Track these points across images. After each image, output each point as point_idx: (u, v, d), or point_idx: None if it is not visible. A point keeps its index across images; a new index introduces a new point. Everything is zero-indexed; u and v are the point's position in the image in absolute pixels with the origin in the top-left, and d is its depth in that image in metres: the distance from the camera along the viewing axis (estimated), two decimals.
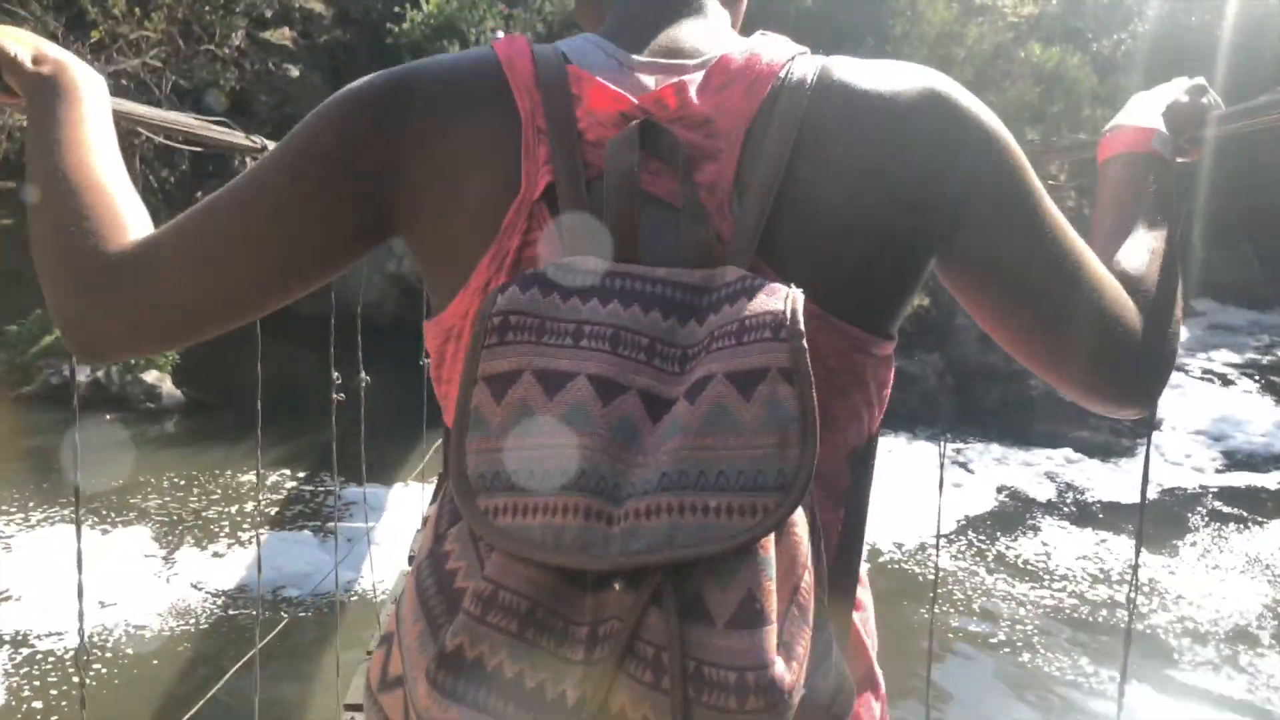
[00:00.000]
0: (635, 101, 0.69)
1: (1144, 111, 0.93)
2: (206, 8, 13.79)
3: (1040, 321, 0.74)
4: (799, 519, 0.56)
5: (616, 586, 0.54)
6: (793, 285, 0.61)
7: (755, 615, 0.51)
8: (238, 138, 1.43)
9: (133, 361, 10.37)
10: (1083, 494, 10.33)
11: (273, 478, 9.18)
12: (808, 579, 0.55)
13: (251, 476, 9.13)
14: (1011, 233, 0.73)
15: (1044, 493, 10.36)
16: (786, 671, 0.51)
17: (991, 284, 0.75)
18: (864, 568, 0.78)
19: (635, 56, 0.74)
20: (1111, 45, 19.13)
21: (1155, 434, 12.27)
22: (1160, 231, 0.84)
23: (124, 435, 10.10)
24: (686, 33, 0.76)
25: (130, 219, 0.77)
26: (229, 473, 9.30)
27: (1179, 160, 0.95)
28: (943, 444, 8.46)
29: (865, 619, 0.79)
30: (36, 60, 0.83)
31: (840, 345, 0.69)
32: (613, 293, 0.62)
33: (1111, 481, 10.61)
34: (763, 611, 0.52)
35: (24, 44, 0.83)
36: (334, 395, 2.54)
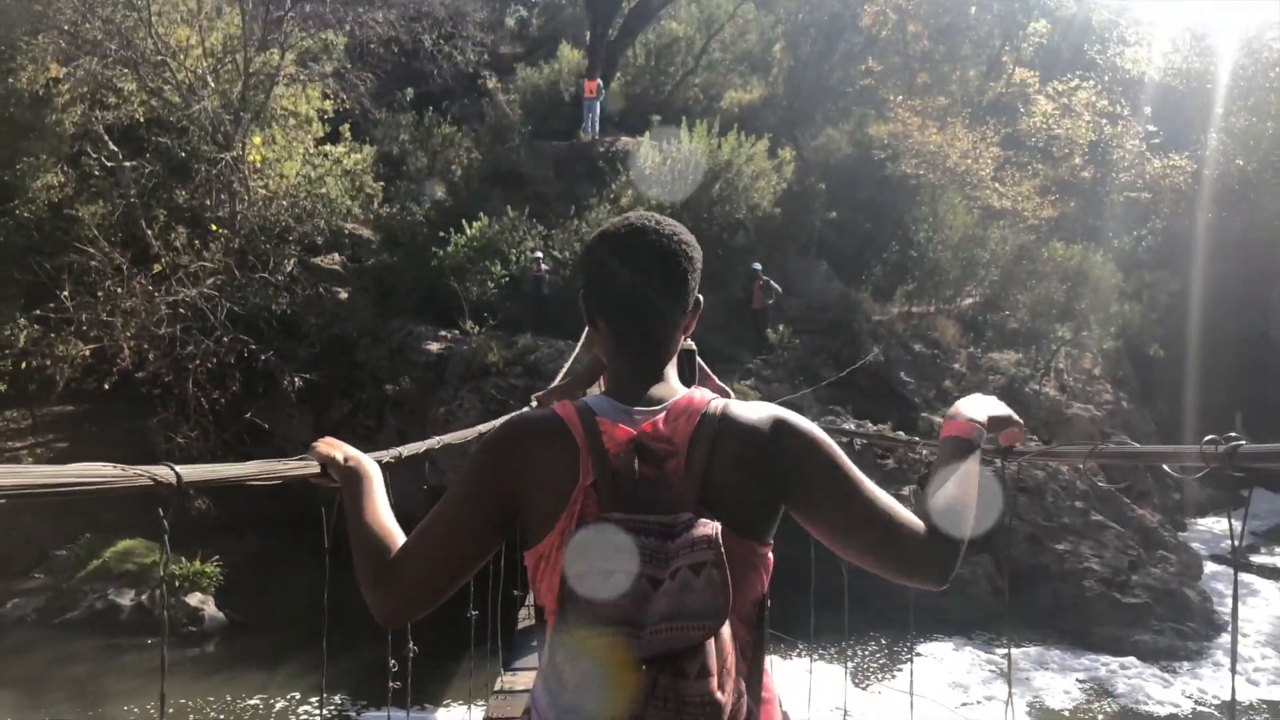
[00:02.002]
0: (634, 432, 1.36)
1: (974, 408, 1.60)
2: (262, 238, 14.57)
3: (853, 547, 1.39)
4: (725, 630, 1.20)
5: (644, 667, 1.16)
6: (715, 520, 1.24)
7: (705, 672, 1.17)
8: (310, 468, 1.64)
9: (176, 584, 10.37)
10: (1133, 708, 9.67)
11: (303, 706, 8.85)
12: (731, 656, 1.22)
13: (256, 701, 8.86)
14: (827, 499, 1.38)
15: (1085, 704, 9.70)
16: (721, 696, 1.18)
17: (818, 527, 1.41)
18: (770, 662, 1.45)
19: (628, 407, 1.41)
20: (1132, 241, 19.56)
21: (1221, 637, 11.69)
22: (958, 482, 1.45)
23: (157, 662, 9.85)
24: (655, 391, 1.43)
25: (395, 542, 1.45)
26: (227, 697, 8.90)
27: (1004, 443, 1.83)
28: (1009, 660, 8.09)
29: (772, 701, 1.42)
30: (346, 458, 1.61)
31: (743, 549, 1.32)
32: (630, 529, 1.23)
33: (1173, 696, 10.00)
34: (709, 671, 1.17)
35: (337, 448, 1.64)
36: (391, 683, 2.58)
